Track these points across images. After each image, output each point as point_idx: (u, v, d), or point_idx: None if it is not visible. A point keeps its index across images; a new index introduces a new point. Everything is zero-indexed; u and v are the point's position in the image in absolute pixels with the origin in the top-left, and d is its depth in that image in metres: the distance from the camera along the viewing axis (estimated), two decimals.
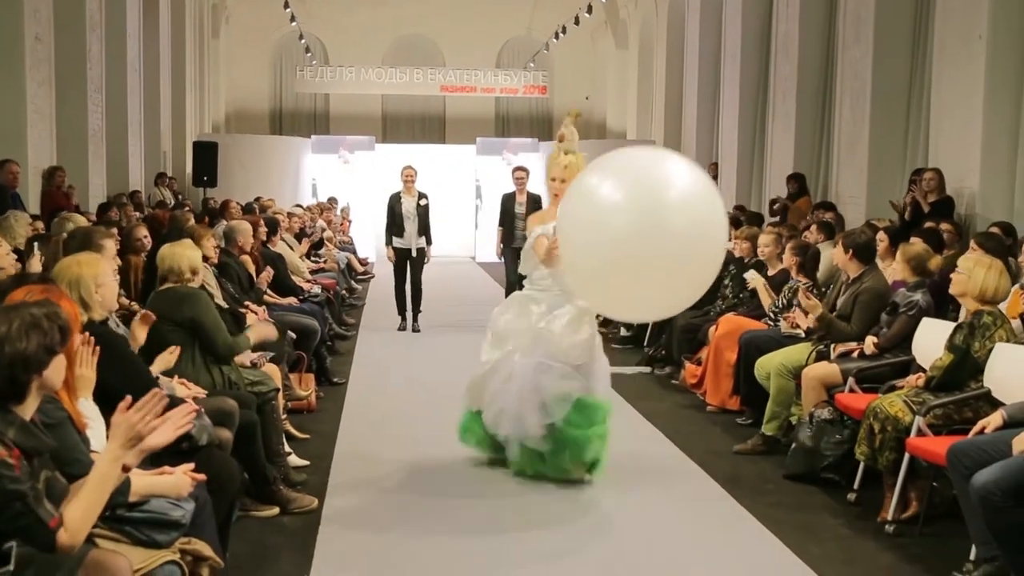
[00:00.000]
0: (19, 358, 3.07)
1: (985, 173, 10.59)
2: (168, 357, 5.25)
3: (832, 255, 8.33)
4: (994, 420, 4.99)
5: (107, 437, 4.02)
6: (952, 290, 5.83)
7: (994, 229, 8.50)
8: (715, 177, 17.67)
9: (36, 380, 3.13)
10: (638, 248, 5.21)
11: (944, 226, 9.15)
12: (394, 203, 12.30)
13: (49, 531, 2.95)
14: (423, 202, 12.21)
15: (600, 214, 5.38)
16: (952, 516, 5.35)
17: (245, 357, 6.38)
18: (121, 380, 4.16)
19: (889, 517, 5.58)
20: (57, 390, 3.34)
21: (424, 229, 12.28)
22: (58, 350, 3.17)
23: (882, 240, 8.21)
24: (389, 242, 12.41)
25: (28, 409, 3.15)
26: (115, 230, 8.61)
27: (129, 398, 3.26)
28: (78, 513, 3.05)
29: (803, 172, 14.61)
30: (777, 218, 14.00)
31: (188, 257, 6.07)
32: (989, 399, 5.54)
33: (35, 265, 6.40)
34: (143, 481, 3.45)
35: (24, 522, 2.89)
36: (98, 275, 4.61)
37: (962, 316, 5.92)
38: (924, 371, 6.03)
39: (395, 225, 12.24)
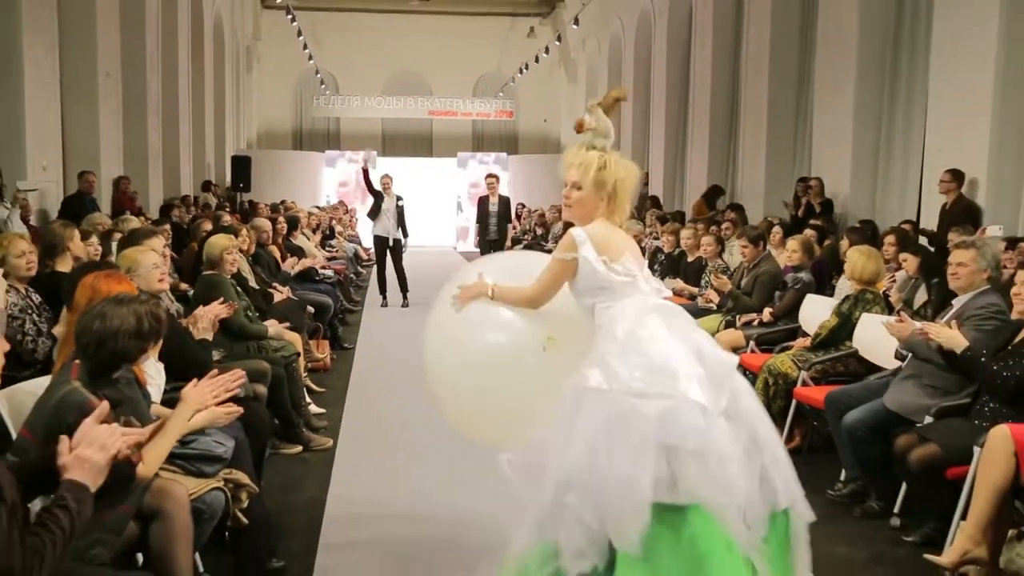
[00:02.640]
0: (119, 352, 3.09)
1: (854, 180, 10.74)
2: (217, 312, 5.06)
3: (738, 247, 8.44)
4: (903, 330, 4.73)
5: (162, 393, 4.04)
6: (848, 276, 5.87)
7: (859, 225, 8.65)
8: (646, 184, 17.75)
9: (127, 366, 3.17)
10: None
11: (823, 222, 9.29)
12: (377, 202, 12.28)
13: (132, 465, 2.98)
14: (399, 203, 12.19)
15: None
16: (827, 448, 5.44)
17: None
18: (167, 345, 4.17)
19: None
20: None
21: (400, 224, 12.21)
22: (149, 349, 3.19)
23: (777, 233, 8.32)
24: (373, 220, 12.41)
25: (116, 372, 3.19)
26: (167, 226, 8.60)
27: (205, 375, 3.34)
28: (153, 455, 3.11)
29: (716, 180, 14.71)
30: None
31: (217, 244, 6.13)
32: (856, 357, 5.63)
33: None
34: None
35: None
36: (130, 266, 4.60)
37: (848, 290, 5.98)
38: (808, 335, 6.12)
39: (376, 214, 12.20)
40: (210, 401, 3.29)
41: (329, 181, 23.43)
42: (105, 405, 2.57)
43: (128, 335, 3.07)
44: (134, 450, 2.92)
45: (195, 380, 3.33)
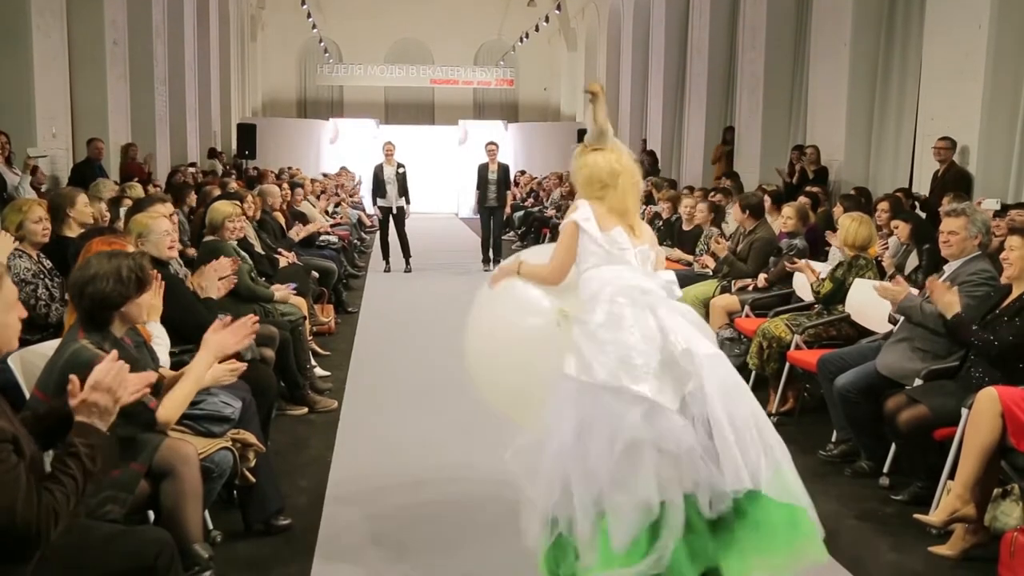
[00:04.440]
0: (98, 297, 3.08)
1: (848, 148, 10.70)
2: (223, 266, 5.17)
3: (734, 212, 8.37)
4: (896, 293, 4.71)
5: (169, 352, 4.04)
6: (837, 242, 5.85)
7: (853, 192, 8.61)
8: (644, 150, 17.63)
9: (116, 315, 3.15)
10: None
11: (818, 189, 9.24)
12: (378, 171, 12.20)
13: (150, 411, 3.06)
14: (400, 170, 12.12)
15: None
16: (819, 410, 5.46)
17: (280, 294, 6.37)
18: (175, 309, 4.14)
19: (773, 411, 5.68)
20: (139, 323, 3.36)
21: (403, 191, 12.15)
22: (132, 295, 3.16)
23: (768, 200, 8.27)
24: (374, 202, 12.42)
25: (118, 330, 3.18)
26: (171, 195, 8.53)
27: (223, 319, 3.35)
28: (173, 401, 3.18)
29: (712, 148, 14.63)
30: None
31: (221, 211, 6.11)
32: (849, 321, 5.63)
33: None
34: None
35: (132, 408, 2.87)
36: (142, 231, 4.60)
37: (841, 256, 5.96)
38: (802, 301, 6.11)
39: (379, 188, 12.16)
40: (231, 347, 3.30)
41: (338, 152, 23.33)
42: (114, 353, 2.56)
43: (106, 278, 3.07)
44: (148, 398, 2.93)
45: (220, 323, 3.31)
